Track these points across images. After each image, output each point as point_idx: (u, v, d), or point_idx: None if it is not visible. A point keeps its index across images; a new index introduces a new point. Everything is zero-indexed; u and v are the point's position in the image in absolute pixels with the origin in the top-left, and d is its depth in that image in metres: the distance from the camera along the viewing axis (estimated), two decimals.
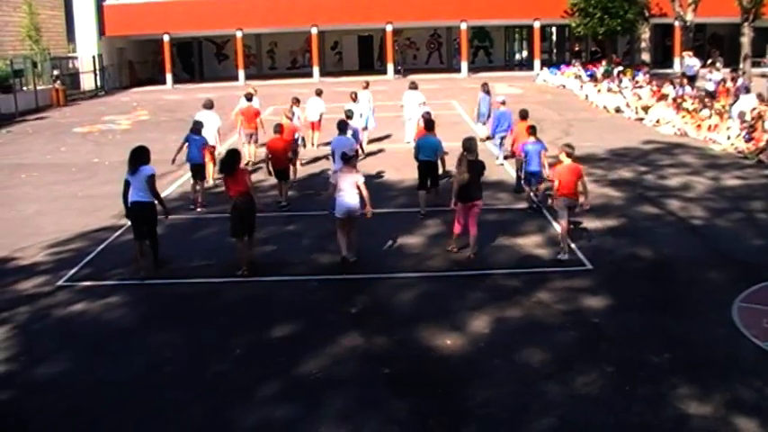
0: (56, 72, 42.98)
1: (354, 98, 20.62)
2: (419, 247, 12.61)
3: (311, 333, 9.47)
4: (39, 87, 38.85)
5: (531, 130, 14.92)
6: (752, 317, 9.49)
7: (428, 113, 16.49)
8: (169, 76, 49.76)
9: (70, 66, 46.53)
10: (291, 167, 16.60)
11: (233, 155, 11.96)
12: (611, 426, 7.23)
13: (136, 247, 11.92)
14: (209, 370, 8.63)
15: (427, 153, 14.64)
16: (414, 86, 22.14)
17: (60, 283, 11.58)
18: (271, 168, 15.19)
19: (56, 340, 9.58)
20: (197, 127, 15.74)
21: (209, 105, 17.86)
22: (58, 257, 12.73)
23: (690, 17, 35.56)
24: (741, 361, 8.39)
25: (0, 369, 8.76)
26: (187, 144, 15.43)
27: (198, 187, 15.54)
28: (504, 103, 19.79)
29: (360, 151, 16.36)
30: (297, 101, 19.38)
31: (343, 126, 15.37)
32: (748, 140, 20.09)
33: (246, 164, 17.61)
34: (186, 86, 46.87)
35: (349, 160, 11.97)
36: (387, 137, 23.56)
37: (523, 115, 16.75)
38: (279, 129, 15.62)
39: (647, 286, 10.78)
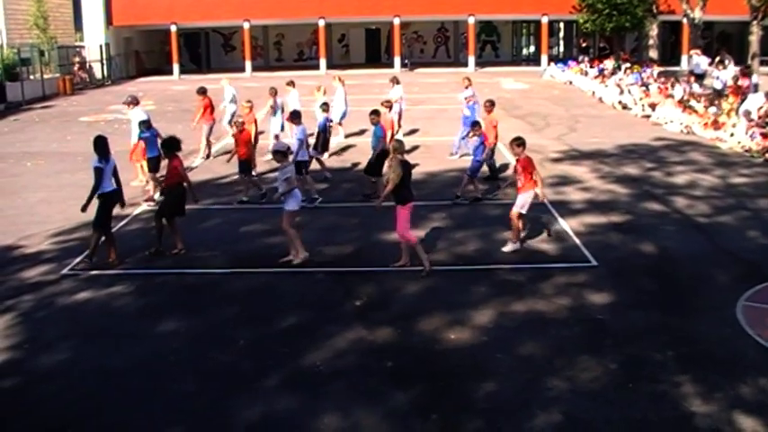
0: (77, 59, 43.22)
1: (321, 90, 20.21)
2: (424, 241, 12.59)
3: (315, 325, 9.47)
4: (46, 76, 38.89)
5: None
6: (756, 316, 9.47)
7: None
8: (176, 67, 49.85)
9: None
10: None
11: None
12: (614, 422, 7.21)
13: (103, 238, 11.90)
14: (214, 360, 8.64)
15: None
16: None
17: (65, 271, 11.59)
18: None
19: (60, 328, 9.60)
20: (148, 124, 15.81)
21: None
22: (64, 246, 12.74)
23: (698, 15, 35.46)
24: (745, 360, 8.37)
25: (5, 357, 8.79)
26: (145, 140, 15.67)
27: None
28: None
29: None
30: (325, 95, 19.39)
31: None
32: (762, 138, 19.98)
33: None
34: (193, 77, 46.79)
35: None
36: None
37: (492, 104, 17.01)
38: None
39: (651, 283, 10.77)
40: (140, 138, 15.79)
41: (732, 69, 29.62)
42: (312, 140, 16.73)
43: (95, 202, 11.69)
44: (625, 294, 10.30)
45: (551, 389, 7.77)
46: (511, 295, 10.26)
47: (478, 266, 11.51)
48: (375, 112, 15.48)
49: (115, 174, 11.95)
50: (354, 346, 8.88)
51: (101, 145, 11.85)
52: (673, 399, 7.54)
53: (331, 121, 17.46)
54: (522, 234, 12.29)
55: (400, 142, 11.92)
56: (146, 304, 10.38)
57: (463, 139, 18.68)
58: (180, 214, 12.29)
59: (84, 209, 11.71)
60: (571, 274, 11.08)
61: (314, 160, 16.67)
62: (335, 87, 21.49)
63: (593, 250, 12.02)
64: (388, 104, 17.47)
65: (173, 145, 12.30)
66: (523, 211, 12.01)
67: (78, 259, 11.94)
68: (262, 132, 19.40)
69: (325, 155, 18.37)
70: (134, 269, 11.69)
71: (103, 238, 11.86)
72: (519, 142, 12.14)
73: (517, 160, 12.22)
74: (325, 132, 16.96)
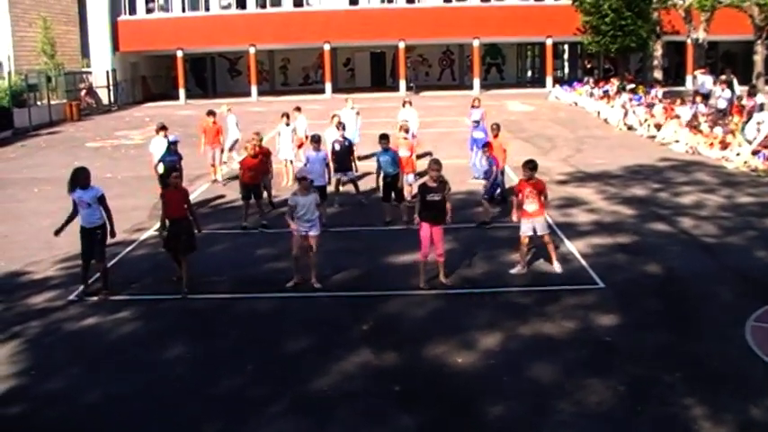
0: (82, 85, 43.52)
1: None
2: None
3: (322, 349, 9.45)
4: (52, 102, 39.12)
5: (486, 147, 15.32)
6: (765, 336, 9.41)
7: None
8: (182, 92, 50.09)
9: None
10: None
11: None
12: None
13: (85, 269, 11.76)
14: (220, 385, 8.61)
15: None
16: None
17: (72, 297, 11.60)
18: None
19: (67, 355, 9.59)
20: (175, 146, 15.96)
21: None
22: (70, 272, 12.73)
23: (702, 35, 35.55)
24: (754, 381, 8.32)
25: (11, 383, 8.77)
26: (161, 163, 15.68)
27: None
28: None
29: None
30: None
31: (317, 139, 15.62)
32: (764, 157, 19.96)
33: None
34: (199, 102, 46.98)
35: (299, 181, 11.95)
36: None
37: (498, 127, 17.18)
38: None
39: (659, 304, 10.73)
40: (161, 161, 15.67)
41: (737, 89, 29.63)
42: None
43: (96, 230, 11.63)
44: (632, 316, 10.26)
45: (560, 412, 7.73)
46: (518, 318, 10.23)
47: (485, 289, 11.48)
48: (385, 137, 15.47)
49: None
50: (362, 370, 8.85)
51: (88, 175, 11.73)
52: (682, 421, 7.48)
53: (347, 140, 17.20)
54: (528, 257, 12.30)
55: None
56: (152, 330, 10.37)
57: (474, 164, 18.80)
58: (191, 249, 11.81)
59: (113, 235, 11.80)
60: (578, 296, 11.04)
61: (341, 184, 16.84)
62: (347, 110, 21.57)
63: (599, 272, 11.99)
64: (406, 128, 17.59)
65: (164, 182, 12.09)
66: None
67: (86, 285, 11.92)
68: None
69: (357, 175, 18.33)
70: (140, 294, 11.68)
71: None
72: (532, 165, 12.06)
73: (530, 183, 12.03)
74: (336, 152, 16.70)
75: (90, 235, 11.46)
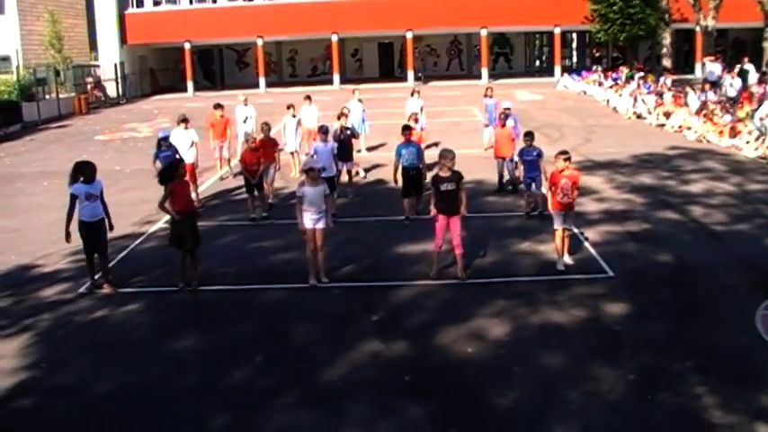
0: (90, 79, 43.59)
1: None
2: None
3: (332, 340, 9.46)
4: (61, 96, 39.19)
5: (529, 137, 14.80)
6: None
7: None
8: (190, 84, 50.10)
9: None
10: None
11: None
12: None
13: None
14: (230, 377, 8.63)
15: None
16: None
17: (82, 290, 11.63)
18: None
19: (77, 347, 9.63)
20: (166, 143, 15.78)
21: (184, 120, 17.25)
22: (80, 265, 12.72)
23: (711, 23, 35.36)
24: (765, 369, 8.29)
25: (22, 375, 8.81)
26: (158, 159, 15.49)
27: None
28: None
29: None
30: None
31: (325, 131, 15.59)
32: None
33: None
34: (207, 94, 46.92)
35: (306, 173, 11.58)
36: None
37: (506, 117, 17.04)
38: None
39: (668, 293, 10.70)
40: (157, 156, 15.62)
41: (752, 78, 29.50)
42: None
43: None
44: (642, 305, 10.23)
45: (570, 401, 7.72)
46: (528, 307, 10.21)
47: (494, 279, 11.46)
48: (407, 128, 15.25)
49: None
50: (372, 361, 8.86)
51: (94, 169, 11.70)
52: (693, 410, 7.47)
53: (348, 129, 17.18)
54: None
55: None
56: (162, 322, 10.40)
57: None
58: (195, 245, 11.62)
59: (111, 228, 11.81)
60: (588, 285, 11.02)
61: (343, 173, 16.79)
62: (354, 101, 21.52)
63: (609, 261, 11.96)
64: (415, 118, 17.57)
65: (170, 174, 11.71)
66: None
67: (93, 279, 11.92)
68: (281, 150, 19.06)
69: (359, 171, 18.45)
70: (150, 287, 11.71)
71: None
72: (566, 156, 11.71)
73: (565, 174, 11.65)
74: (341, 141, 16.70)
75: (97, 228, 11.50)
